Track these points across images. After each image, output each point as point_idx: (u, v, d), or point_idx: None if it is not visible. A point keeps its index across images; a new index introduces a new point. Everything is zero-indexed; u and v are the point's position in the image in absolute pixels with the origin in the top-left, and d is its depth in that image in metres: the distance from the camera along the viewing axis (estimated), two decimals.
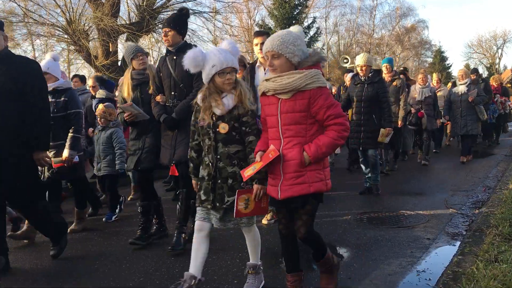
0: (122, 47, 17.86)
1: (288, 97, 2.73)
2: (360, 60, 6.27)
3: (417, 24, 45.37)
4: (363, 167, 6.44)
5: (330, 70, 40.99)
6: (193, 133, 3.23)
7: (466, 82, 8.93)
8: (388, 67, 8.05)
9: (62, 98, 4.82)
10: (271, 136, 2.88)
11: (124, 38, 17.69)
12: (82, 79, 7.81)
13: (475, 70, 11.19)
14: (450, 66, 52.06)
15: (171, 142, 4.17)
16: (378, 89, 6.11)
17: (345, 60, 20.94)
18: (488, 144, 12.02)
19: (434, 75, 11.49)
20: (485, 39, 50.77)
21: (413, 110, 8.80)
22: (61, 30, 17.85)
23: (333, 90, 11.12)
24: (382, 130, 6.03)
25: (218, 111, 3.03)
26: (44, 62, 4.90)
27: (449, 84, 11.26)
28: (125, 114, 4.41)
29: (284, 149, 2.78)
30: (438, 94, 9.72)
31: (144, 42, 23.53)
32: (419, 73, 10.08)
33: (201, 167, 3.20)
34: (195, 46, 4.25)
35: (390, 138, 6.89)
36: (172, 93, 4.20)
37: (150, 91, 4.45)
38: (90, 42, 18.21)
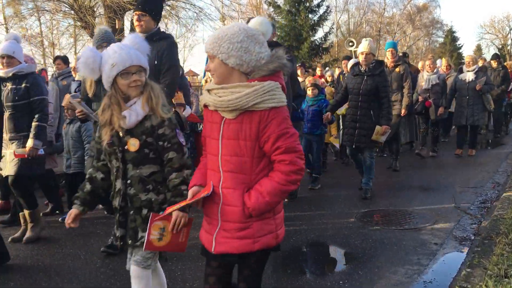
0: (128, 25, 17.73)
1: (233, 117, 2.01)
2: (363, 46, 5.69)
3: (429, 3, 44.51)
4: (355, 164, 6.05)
5: (338, 50, 40.51)
6: (98, 152, 2.56)
7: (474, 69, 8.40)
8: (393, 52, 7.46)
9: (24, 84, 4.36)
10: (210, 166, 2.13)
11: (131, 15, 17.52)
12: (65, 60, 6.93)
13: (497, 56, 10.76)
14: (461, 46, 51.27)
15: None
16: (379, 82, 5.51)
17: (350, 43, 20.42)
18: (497, 135, 11.57)
19: (444, 60, 10.91)
20: (498, 19, 49.76)
21: (420, 99, 8.41)
22: (67, 6, 17.64)
23: (336, 72, 10.77)
24: (377, 127, 5.46)
25: (124, 124, 2.37)
26: (7, 44, 4.42)
27: None
28: (77, 110, 3.97)
29: (223, 188, 2.05)
30: (448, 80, 9.19)
31: None
32: (426, 58, 9.54)
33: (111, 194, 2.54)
34: (169, 35, 4.01)
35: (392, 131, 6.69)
36: None
37: None
38: (96, 19, 18.01)
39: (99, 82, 3.86)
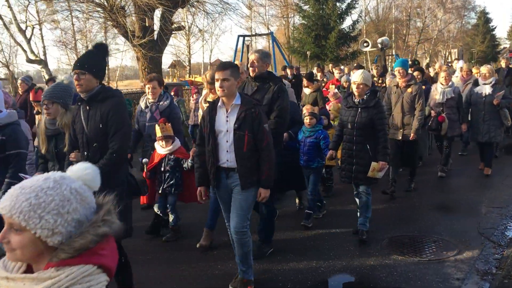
0: (158, 24, 18.08)
1: None
2: (357, 76, 5.36)
3: None
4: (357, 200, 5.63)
5: (367, 37, 39.97)
6: None
7: (491, 82, 7.87)
8: (401, 71, 6.93)
9: (0, 137, 3.97)
10: None
11: (160, 13, 17.90)
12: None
13: None
14: (495, 28, 50.05)
15: None
16: (374, 115, 5.19)
17: (365, 44, 19.93)
18: None
19: (464, 65, 10.34)
20: None
21: (433, 113, 7.88)
22: (99, 6, 18.10)
23: (374, 72, 10.66)
24: (373, 163, 5.13)
25: None
26: None
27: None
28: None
29: None
30: (466, 88, 8.67)
31: (180, 15, 23.69)
32: (441, 70, 8.74)
33: None
34: (116, 93, 3.71)
35: (408, 152, 6.71)
36: (85, 153, 3.59)
37: (65, 149, 3.86)
38: (127, 18, 18.44)
39: (51, 138, 3.92)
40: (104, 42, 3.90)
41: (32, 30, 19.45)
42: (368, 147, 5.21)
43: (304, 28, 32.00)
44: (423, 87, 7.91)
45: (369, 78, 5.39)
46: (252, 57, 4.85)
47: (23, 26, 19.03)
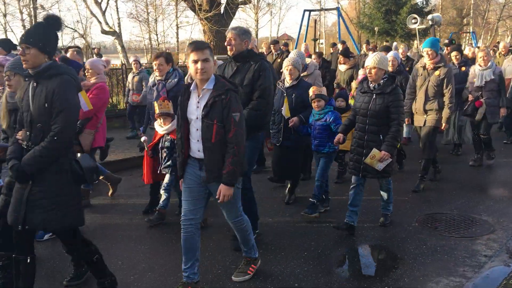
0: None
1: None
2: (369, 59, 4.88)
3: None
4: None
5: (442, 13, 38.19)
6: None
7: None
8: (430, 52, 6.24)
9: None
10: None
11: None
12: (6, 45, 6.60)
13: None
14: None
15: (22, 199, 3.22)
16: (390, 102, 4.74)
17: (413, 20, 18.77)
18: None
19: (503, 42, 9.28)
20: None
21: (470, 98, 7.33)
22: None
23: (415, 46, 10.13)
24: (374, 150, 4.70)
25: None
26: None
27: None
28: None
29: None
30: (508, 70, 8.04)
31: None
32: (479, 50, 8.06)
33: None
34: (65, 70, 3.34)
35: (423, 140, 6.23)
36: (28, 132, 3.29)
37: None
38: None
39: (11, 113, 3.74)
40: (56, 14, 3.80)
41: (108, 2, 20.51)
42: (381, 137, 4.79)
43: (375, 3, 31.17)
44: (463, 68, 7.69)
45: (384, 61, 4.84)
46: (229, 34, 4.49)
47: None
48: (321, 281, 4.04)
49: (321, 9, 29.79)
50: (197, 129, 3.52)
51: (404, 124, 6.70)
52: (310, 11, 23.71)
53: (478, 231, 5.07)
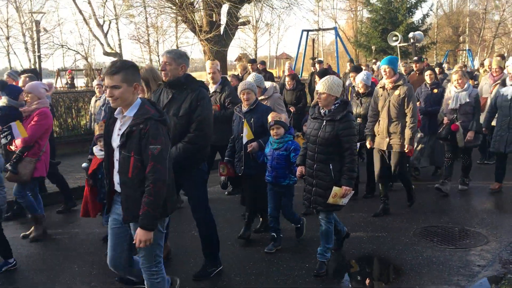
0: (224, 20, 18.90)
1: None
2: (319, 85, 4.52)
3: None
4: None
5: (438, 31, 38.80)
6: None
7: None
8: (387, 70, 5.91)
9: None
10: None
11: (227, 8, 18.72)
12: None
13: None
14: None
15: None
16: (340, 130, 4.35)
17: (394, 38, 18.67)
18: None
19: (495, 60, 8.78)
20: None
21: (445, 121, 6.98)
22: (170, 2, 19.22)
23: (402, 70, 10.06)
24: (335, 188, 4.32)
25: None
26: None
27: None
28: None
29: None
30: (495, 89, 7.64)
31: (248, 8, 24.47)
32: (453, 72, 7.67)
33: None
34: None
35: (394, 166, 5.98)
36: None
37: None
38: (195, 14, 19.42)
39: None
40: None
41: (109, 25, 20.95)
42: (331, 167, 4.39)
43: (371, 22, 31.73)
44: (435, 90, 7.56)
45: (334, 86, 4.42)
46: (163, 58, 4.08)
47: (101, 21, 20.57)
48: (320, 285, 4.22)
49: (319, 29, 30.27)
50: (117, 160, 3.14)
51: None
52: (308, 31, 24.13)
53: (472, 243, 5.26)
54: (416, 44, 17.83)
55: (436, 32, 39.72)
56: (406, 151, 5.95)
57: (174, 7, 19.11)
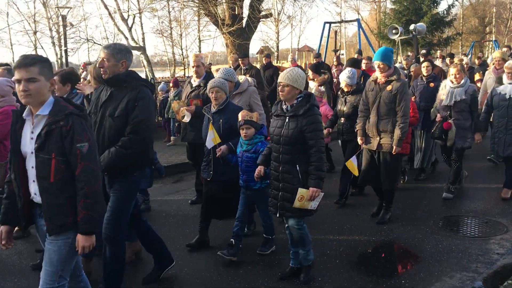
0: (246, 12, 19.05)
1: None
2: (281, 75, 4.10)
3: None
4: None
5: (464, 22, 38.09)
6: None
7: None
8: (382, 66, 5.41)
9: None
10: None
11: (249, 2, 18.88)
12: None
13: None
14: None
15: None
16: (304, 126, 3.94)
17: (393, 31, 17.31)
18: None
19: (497, 52, 8.31)
20: None
21: (438, 118, 6.41)
22: None
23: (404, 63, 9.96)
24: (301, 190, 3.93)
25: None
26: None
27: None
28: None
29: None
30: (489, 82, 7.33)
31: (270, 0, 24.51)
32: (451, 65, 7.17)
33: None
34: None
35: (383, 168, 5.50)
36: None
37: None
38: (218, 7, 19.61)
39: None
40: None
41: (133, 19, 21.25)
42: (298, 168, 4.00)
43: (395, 13, 31.37)
44: (431, 84, 7.20)
45: (299, 78, 4.02)
46: (101, 54, 3.68)
47: (125, 15, 20.91)
48: (344, 276, 4.38)
49: (342, 21, 30.06)
50: (33, 167, 2.80)
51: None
52: (330, 23, 24.06)
53: (492, 232, 5.33)
54: (418, 36, 17.00)
55: (462, 23, 39.02)
56: (394, 153, 5.43)
57: (197, 1, 19.38)
